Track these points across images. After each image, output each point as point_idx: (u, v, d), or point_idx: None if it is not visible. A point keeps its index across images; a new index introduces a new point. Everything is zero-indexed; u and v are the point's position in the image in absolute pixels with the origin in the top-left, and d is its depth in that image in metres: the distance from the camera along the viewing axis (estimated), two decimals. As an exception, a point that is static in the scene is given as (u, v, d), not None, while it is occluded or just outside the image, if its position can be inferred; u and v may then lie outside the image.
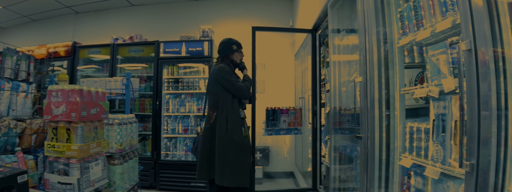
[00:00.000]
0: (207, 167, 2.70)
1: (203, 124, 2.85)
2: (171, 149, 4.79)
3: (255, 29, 3.56)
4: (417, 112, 1.83)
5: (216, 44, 4.99)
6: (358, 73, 2.23)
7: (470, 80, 1.00)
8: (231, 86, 2.70)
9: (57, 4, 5.94)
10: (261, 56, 3.65)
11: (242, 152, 2.66)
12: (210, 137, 2.72)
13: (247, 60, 3.71)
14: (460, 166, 1.03)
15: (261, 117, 3.57)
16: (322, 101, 3.53)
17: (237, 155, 2.63)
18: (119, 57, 5.10)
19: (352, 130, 2.40)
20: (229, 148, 2.62)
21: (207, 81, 4.71)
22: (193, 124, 4.79)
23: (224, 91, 2.73)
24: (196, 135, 4.72)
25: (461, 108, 1.05)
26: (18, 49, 2.38)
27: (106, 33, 5.87)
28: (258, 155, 5.11)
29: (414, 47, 1.77)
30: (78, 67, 5.20)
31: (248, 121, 3.89)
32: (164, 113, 4.81)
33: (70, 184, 1.74)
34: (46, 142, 1.82)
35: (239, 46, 2.93)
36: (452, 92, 1.25)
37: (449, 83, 1.24)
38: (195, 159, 4.67)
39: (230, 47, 2.89)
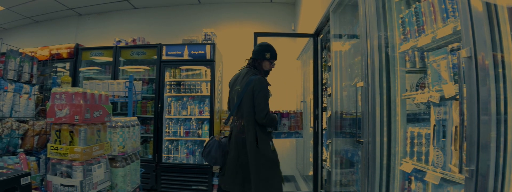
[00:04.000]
0: (241, 181, 2.62)
1: (224, 127, 2.78)
2: (172, 151, 4.79)
3: (257, 34, 3.57)
4: (418, 117, 1.84)
5: (218, 48, 5.07)
6: (359, 78, 2.24)
7: (470, 86, 1.01)
8: (264, 107, 2.60)
9: (60, 6, 5.98)
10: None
11: (273, 168, 2.62)
12: (237, 146, 2.66)
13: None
14: (460, 171, 1.04)
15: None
16: (324, 105, 3.54)
17: (270, 171, 2.59)
18: (121, 59, 5.12)
19: (354, 134, 2.41)
20: (261, 163, 2.57)
21: (209, 84, 4.76)
22: (194, 127, 4.80)
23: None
24: (198, 138, 4.77)
25: (461, 114, 1.06)
26: (21, 50, 2.39)
27: (108, 35, 5.90)
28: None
29: (416, 53, 1.78)
30: (81, 69, 5.22)
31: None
32: (165, 116, 4.82)
33: (72, 186, 1.75)
34: (49, 144, 1.83)
35: (273, 56, 2.83)
36: (453, 98, 1.26)
37: (450, 89, 1.25)
38: (196, 162, 4.70)
39: (263, 53, 2.79)
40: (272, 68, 2.91)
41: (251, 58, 2.87)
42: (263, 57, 2.80)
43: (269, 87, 2.72)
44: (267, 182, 2.57)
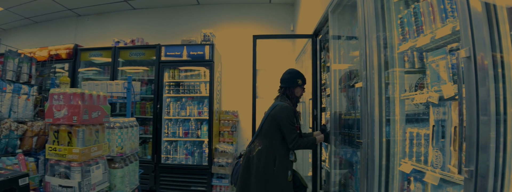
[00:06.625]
0: None
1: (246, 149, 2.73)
2: (171, 152, 4.79)
3: (256, 37, 3.57)
4: (417, 117, 1.84)
5: (217, 48, 5.06)
6: (358, 78, 2.24)
7: (469, 86, 1.01)
8: (288, 134, 2.55)
9: (59, 7, 5.98)
10: (261, 61, 3.66)
11: None
12: (246, 170, 2.60)
13: (248, 67, 3.72)
14: (459, 172, 1.03)
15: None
16: (323, 106, 3.54)
17: None
18: (120, 60, 5.12)
19: (352, 135, 2.40)
20: (268, 190, 2.47)
21: (208, 84, 4.76)
22: (193, 127, 4.80)
23: (278, 131, 2.60)
24: (196, 139, 4.77)
25: (460, 114, 1.06)
26: (19, 51, 2.39)
27: (107, 36, 5.90)
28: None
29: (414, 53, 1.78)
30: (79, 70, 5.22)
31: (249, 126, 3.90)
32: (164, 117, 4.82)
33: (71, 187, 1.74)
34: (47, 145, 1.82)
35: (304, 81, 2.79)
36: (452, 98, 1.26)
37: (449, 89, 1.25)
38: (195, 163, 4.69)
39: (295, 80, 2.75)
40: (304, 92, 2.88)
41: (282, 86, 2.81)
42: (295, 84, 2.75)
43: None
44: None
